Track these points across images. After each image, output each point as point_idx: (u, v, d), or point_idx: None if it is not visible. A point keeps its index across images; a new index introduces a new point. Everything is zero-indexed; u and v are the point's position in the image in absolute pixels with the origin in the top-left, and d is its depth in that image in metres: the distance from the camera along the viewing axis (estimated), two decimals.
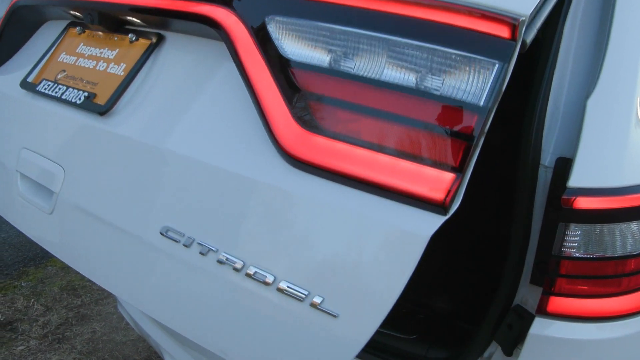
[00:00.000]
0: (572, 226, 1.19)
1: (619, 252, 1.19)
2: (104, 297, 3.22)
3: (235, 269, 1.21)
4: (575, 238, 1.19)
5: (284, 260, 1.19)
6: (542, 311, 1.26)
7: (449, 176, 1.06)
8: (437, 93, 1.13)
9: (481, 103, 1.10)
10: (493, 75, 1.10)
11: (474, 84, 1.12)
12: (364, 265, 1.11)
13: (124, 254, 1.49)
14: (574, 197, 1.15)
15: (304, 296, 1.12)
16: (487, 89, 1.10)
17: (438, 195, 1.05)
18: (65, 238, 1.71)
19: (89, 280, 3.40)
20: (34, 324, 3.00)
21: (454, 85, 1.13)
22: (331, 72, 1.24)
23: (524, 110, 1.93)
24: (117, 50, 1.71)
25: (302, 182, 1.19)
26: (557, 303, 1.24)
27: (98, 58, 1.74)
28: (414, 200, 1.07)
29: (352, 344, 1.08)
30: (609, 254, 1.19)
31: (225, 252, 1.24)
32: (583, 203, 1.15)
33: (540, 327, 1.27)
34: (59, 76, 1.79)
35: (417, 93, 1.15)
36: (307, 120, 1.23)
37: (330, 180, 1.16)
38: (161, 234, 1.35)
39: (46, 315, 3.08)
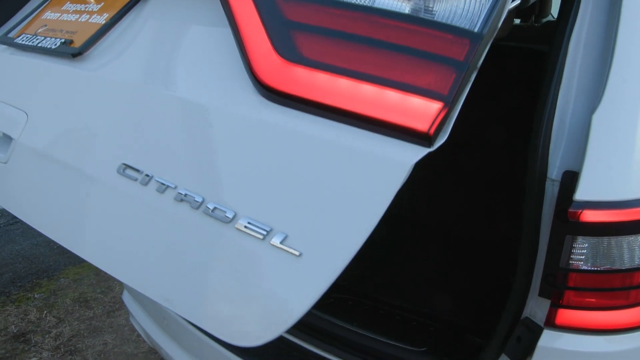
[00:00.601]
0: (580, 239, 1.20)
1: (626, 264, 1.20)
2: (115, 309, 3.25)
3: (194, 206, 1.13)
4: (583, 251, 1.20)
5: (246, 194, 1.12)
6: (551, 324, 1.27)
7: (435, 106, 0.98)
8: (429, 17, 1.05)
9: (476, 29, 1.01)
10: (490, 1, 1.03)
11: (469, 9, 1.03)
12: (336, 198, 1.03)
13: (80, 200, 1.39)
14: (580, 210, 1.17)
15: (264, 233, 1.03)
16: (483, 15, 1.02)
17: (422, 125, 0.98)
18: (19, 188, 1.62)
19: (101, 292, 3.44)
20: (47, 336, 3.03)
21: (447, 9, 1.05)
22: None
23: (531, 124, 1.95)
24: (102, 4, 1.67)
25: (277, 113, 1.12)
26: (566, 315, 1.25)
27: (82, 12, 1.71)
28: (397, 131, 1.00)
29: (316, 285, 0.99)
30: (616, 266, 1.20)
31: (184, 189, 1.16)
32: (590, 216, 1.17)
33: (549, 339, 1.28)
34: (40, 30, 1.76)
35: (407, 19, 1.07)
36: (288, 49, 1.15)
37: (307, 112, 1.09)
38: (118, 172, 1.27)
39: (58, 327, 3.11)
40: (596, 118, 1.20)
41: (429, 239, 2.29)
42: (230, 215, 1.07)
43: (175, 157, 1.27)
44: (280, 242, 1.01)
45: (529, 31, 4.04)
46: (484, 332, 1.59)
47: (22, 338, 3.03)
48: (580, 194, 1.18)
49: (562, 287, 1.24)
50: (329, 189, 1.04)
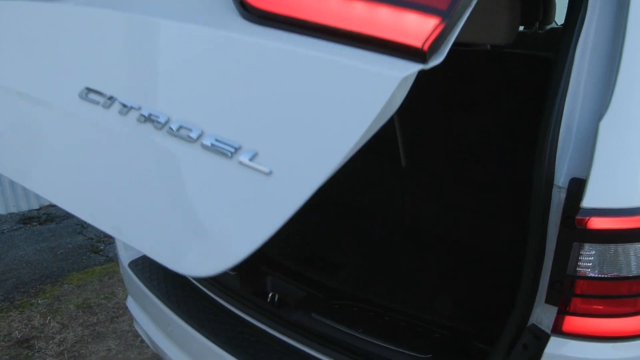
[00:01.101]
0: (587, 246, 1.20)
1: (633, 272, 1.20)
2: (119, 315, 3.25)
3: (157, 127, 1.05)
4: (590, 258, 1.20)
5: (215, 113, 1.05)
6: (558, 331, 1.27)
7: (431, 21, 0.92)
8: None
9: None
10: None
11: None
12: (317, 115, 0.96)
13: (40, 131, 1.29)
14: (587, 218, 1.17)
15: (232, 151, 0.95)
16: None
17: (415, 41, 0.91)
18: None
19: (105, 298, 3.44)
20: (50, 342, 3.02)
21: None
22: None
23: (535, 130, 1.95)
24: None
25: (259, 32, 1.07)
26: (573, 323, 1.25)
27: None
28: (389, 48, 0.93)
29: (286, 205, 0.90)
30: (623, 273, 1.20)
31: (148, 109, 1.08)
32: (597, 223, 1.17)
33: (556, 346, 1.28)
34: None
35: None
36: None
37: (292, 32, 1.02)
38: (80, 97, 1.19)
39: (62, 332, 3.11)
40: (603, 125, 1.20)
41: (433, 245, 2.29)
42: (195, 134, 1.00)
43: (139, 78, 1.20)
44: (250, 160, 0.93)
45: (533, 38, 4.05)
46: (489, 339, 1.58)
47: (26, 344, 3.03)
48: (588, 201, 1.18)
49: (569, 294, 1.24)
50: (309, 105, 0.97)
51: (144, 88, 1.17)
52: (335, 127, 0.93)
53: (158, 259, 0.96)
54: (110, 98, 1.14)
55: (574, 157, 1.30)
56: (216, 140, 0.97)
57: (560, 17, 4.75)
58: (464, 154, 2.21)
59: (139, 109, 1.09)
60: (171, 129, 1.03)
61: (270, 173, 0.91)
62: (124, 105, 1.11)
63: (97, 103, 1.15)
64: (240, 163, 0.93)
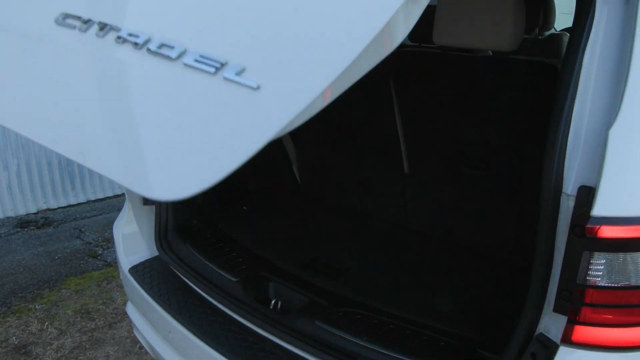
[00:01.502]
0: (597, 255, 1.19)
1: None
2: (117, 321, 3.22)
3: (136, 47, 0.98)
4: (600, 267, 1.19)
5: (200, 30, 1.00)
6: (567, 340, 1.26)
7: None
8: None
9: None
10: None
11: None
12: (313, 27, 0.92)
13: (12, 60, 1.19)
14: (598, 226, 1.16)
15: (217, 66, 0.89)
16: None
17: None
18: None
19: (103, 304, 3.41)
20: (48, 348, 3.00)
21: None
22: None
23: (536, 135, 1.94)
24: None
25: None
26: (582, 332, 1.24)
27: None
28: None
29: (275, 120, 0.82)
30: (633, 282, 1.19)
31: (127, 30, 1.02)
32: (607, 232, 1.16)
33: (565, 356, 1.27)
34: None
35: None
36: None
37: None
38: (57, 23, 1.13)
39: (60, 338, 3.08)
40: (613, 133, 1.19)
41: (436, 251, 2.28)
42: (177, 52, 0.93)
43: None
44: (236, 74, 0.86)
45: (532, 43, 4.05)
46: (495, 347, 1.57)
47: (23, 350, 3.00)
48: (598, 210, 1.17)
49: (579, 303, 1.23)
50: (303, 17, 0.92)
51: (121, 8, 1.11)
52: (339, 37, 0.88)
53: (127, 183, 0.88)
54: (88, 21, 1.08)
55: (583, 164, 1.29)
56: (200, 56, 0.91)
57: (559, 23, 4.76)
58: (467, 159, 2.20)
59: (118, 30, 1.03)
60: (150, 49, 0.96)
61: (258, 88, 0.85)
62: (102, 28, 1.05)
63: (74, 27, 1.09)
64: (226, 79, 0.87)
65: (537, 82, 1.83)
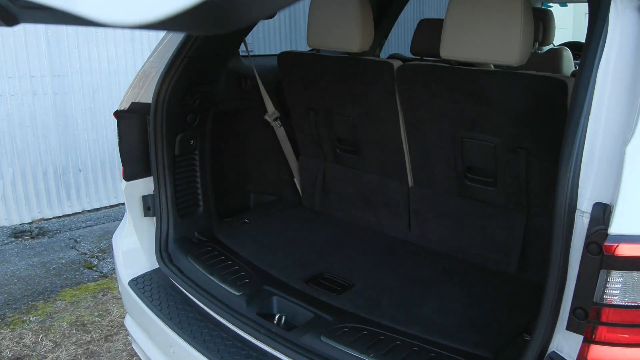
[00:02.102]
0: (614, 273, 1.17)
1: None
2: (113, 334, 3.17)
3: None
4: (617, 285, 1.17)
5: None
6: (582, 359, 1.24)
7: None
8: None
9: None
10: None
11: None
12: None
13: None
14: (616, 244, 1.14)
15: None
16: None
17: None
18: None
19: (99, 316, 3.36)
20: None
21: None
22: None
23: (550, 154, 1.93)
24: None
25: None
26: (598, 351, 1.22)
27: None
28: None
29: None
30: None
31: None
32: (626, 250, 1.14)
33: None
34: None
35: None
36: None
37: None
38: None
39: (55, 351, 3.03)
40: (630, 150, 1.18)
41: (442, 266, 2.26)
42: None
43: None
44: None
45: (531, 58, 4.06)
46: None
47: None
48: (616, 228, 1.15)
49: (594, 322, 1.21)
50: None
51: None
52: None
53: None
54: None
55: (598, 181, 1.28)
56: None
57: (558, 37, 4.79)
58: (473, 174, 2.19)
59: None
60: None
61: None
62: None
63: None
64: None
65: (545, 97, 1.82)
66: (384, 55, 4.02)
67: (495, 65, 1.94)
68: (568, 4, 5.31)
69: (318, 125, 2.62)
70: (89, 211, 5.19)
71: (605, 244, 1.15)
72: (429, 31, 3.20)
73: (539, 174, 1.98)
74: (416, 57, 3.50)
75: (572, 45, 4.68)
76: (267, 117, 2.78)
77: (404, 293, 2.05)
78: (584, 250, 1.30)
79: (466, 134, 2.10)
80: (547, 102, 1.83)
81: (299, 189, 2.95)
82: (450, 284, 2.12)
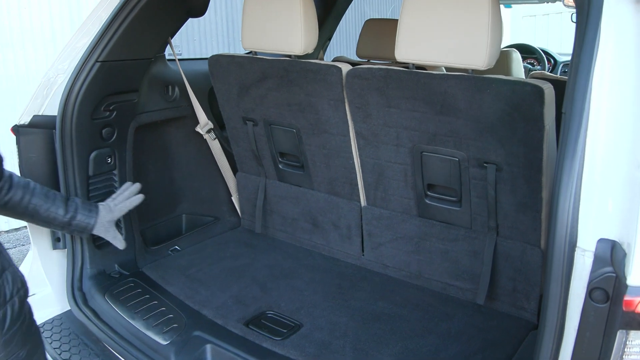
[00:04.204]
0: (634, 335, 0.92)
1: None
2: None
3: None
4: (637, 349, 0.93)
5: None
6: None
7: None
8: None
9: None
10: None
11: None
12: None
13: None
14: (638, 299, 0.89)
15: None
16: None
17: None
18: None
19: None
20: None
21: None
22: None
23: (526, 170, 1.69)
24: None
25: None
26: None
27: None
28: None
29: None
30: None
31: None
32: None
33: None
34: None
35: None
36: None
37: None
38: None
39: None
40: None
41: (404, 298, 1.98)
42: None
43: None
44: None
45: None
46: None
47: None
48: (637, 278, 0.91)
49: None
50: None
51: None
52: None
53: None
54: None
55: (602, 212, 1.04)
56: None
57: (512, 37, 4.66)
58: (435, 192, 1.94)
59: None
60: None
61: None
62: None
63: None
64: None
65: (518, 105, 1.58)
66: (327, 58, 3.75)
67: (458, 69, 1.68)
68: (512, 5, 5.20)
69: (256, 138, 2.31)
70: None
71: (626, 298, 0.90)
72: (377, 32, 2.94)
73: (509, 192, 1.74)
74: (363, 60, 3.24)
75: (519, 48, 4.56)
76: (198, 129, 2.45)
77: (360, 334, 1.76)
78: (586, 297, 1.05)
79: (426, 147, 1.84)
80: (520, 110, 1.59)
81: (238, 209, 2.62)
82: (412, 320, 1.85)
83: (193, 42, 6.02)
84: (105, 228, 1.83)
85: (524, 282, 1.82)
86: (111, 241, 1.87)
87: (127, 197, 1.92)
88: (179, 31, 2.36)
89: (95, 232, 1.82)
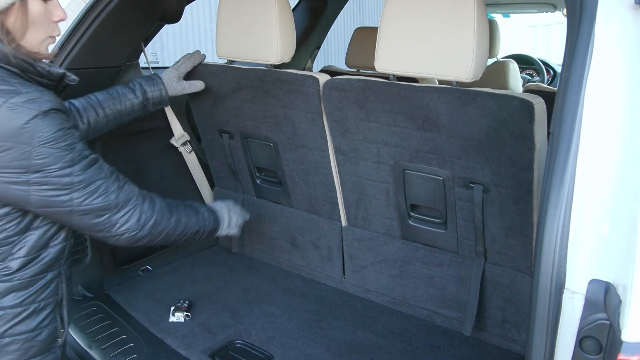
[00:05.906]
0: None
1: None
2: None
3: None
4: None
5: None
6: None
7: None
8: None
9: None
10: None
11: None
12: None
13: None
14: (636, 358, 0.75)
15: None
16: None
17: None
18: None
19: None
20: None
21: None
22: None
23: (514, 189, 1.55)
24: None
25: None
26: None
27: None
28: None
29: None
30: None
31: None
32: None
33: None
34: None
35: None
36: None
37: None
38: None
39: None
40: None
41: (386, 325, 1.85)
42: None
43: None
44: None
45: None
46: None
47: None
48: (633, 333, 0.76)
49: None
50: None
51: None
52: None
53: None
54: None
55: (594, 249, 0.90)
56: None
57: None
58: (418, 213, 1.79)
59: None
60: None
61: None
62: None
63: None
64: None
65: (506, 121, 1.44)
66: (317, 68, 3.62)
67: (442, 82, 1.54)
68: (511, 14, 5.07)
69: (233, 152, 2.17)
70: None
71: (620, 357, 0.76)
72: (367, 41, 2.81)
73: (497, 214, 1.60)
74: (352, 70, 3.11)
75: (518, 58, 4.42)
76: (173, 142, 2.31)
77: None
78: (575, 346, 0.91)
79: (408, 164, 1.70)
80: (507, 127, 1.45)
81: None
82: (392, 352, 1.70)
83: (167, 50, 5.82)
84: (178, 86, 1.92)
85: (514, 312, 1.68)
86: (193, 91, 1.98)
87: (189, 58, 2.00)
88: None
89: (171, 94, 1.91)
